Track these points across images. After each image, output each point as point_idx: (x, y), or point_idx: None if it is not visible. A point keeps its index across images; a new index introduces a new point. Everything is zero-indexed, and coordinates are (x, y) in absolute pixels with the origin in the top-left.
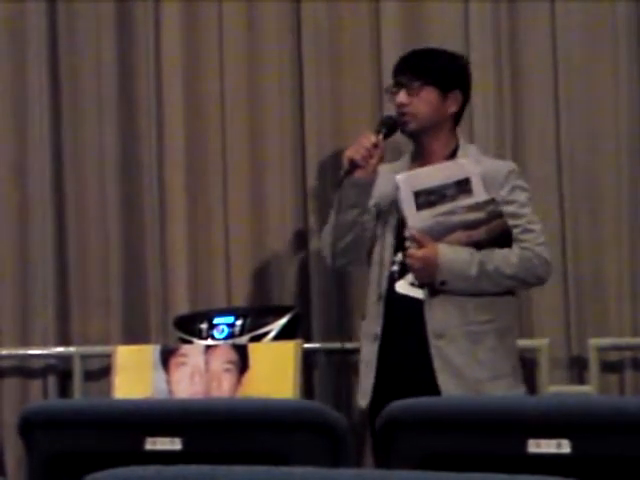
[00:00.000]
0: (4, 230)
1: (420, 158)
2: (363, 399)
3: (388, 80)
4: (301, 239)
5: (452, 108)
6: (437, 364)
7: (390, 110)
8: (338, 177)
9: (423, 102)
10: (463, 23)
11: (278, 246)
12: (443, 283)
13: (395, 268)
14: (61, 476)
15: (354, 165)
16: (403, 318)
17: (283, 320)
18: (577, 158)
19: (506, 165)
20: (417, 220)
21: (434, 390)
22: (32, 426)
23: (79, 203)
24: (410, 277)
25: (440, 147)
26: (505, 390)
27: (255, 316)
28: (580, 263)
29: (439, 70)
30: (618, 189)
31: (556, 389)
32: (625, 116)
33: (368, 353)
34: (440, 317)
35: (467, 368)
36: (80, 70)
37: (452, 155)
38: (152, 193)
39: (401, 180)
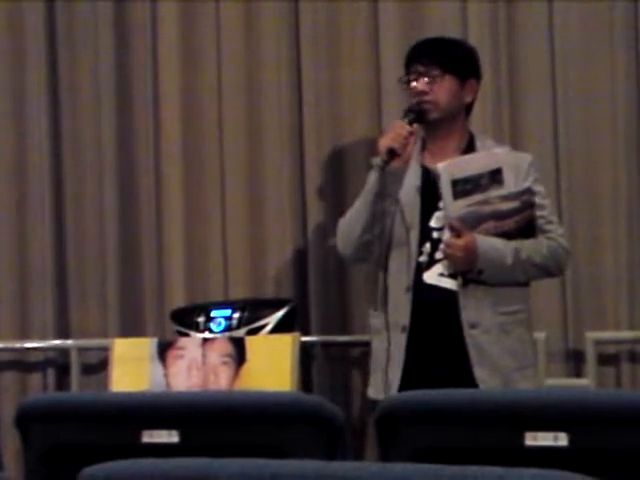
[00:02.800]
0: (3, 225)
1: (434, 148)
2: (386, 391)
3: (386, 77)
4: (298, 231)
5: (468, 97)
6: (472, 354)
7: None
8: (379, 166)
9: (443, 90)
10: (461, 21)
11: (275, 239)
12: (480, 272)
13: (423, 259)
14: (58, 469)
15: (393, 154)
16: (433, 309)
17: (280, 313)
18: (574, 152)
19: (526, 156)
20: (454, 209)
21: (468, 380)
22: (29, 419)
23: (77, 198)
24: (439, 267)
25: (456, 137)
26: (531, 379)
27: (252, 309)
28: (577, 256)
29: (458, 58)
30: (616, 183)
31: (553, 382)
32: (622, 111)
33: (393, 345)
34: (474, 307)
35: (500, 358)
36: (78, 68)
37: (469, 145)
38: (149, 188)
39: (442, 168)
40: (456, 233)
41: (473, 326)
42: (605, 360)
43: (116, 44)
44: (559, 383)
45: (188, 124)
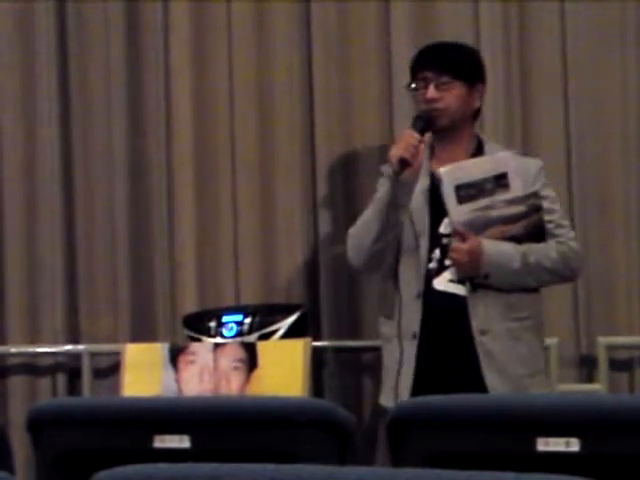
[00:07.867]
0: (13, 228)
1: (443, 154)
2: (397, 399)
3: (398, 80)
4: (310, 237)
5: (477, 102)
6: (483, 360)
7: (402, 107)
8: (391, 177)
9: (453, 97)
10: (473, 22)
11: (287, 244)
12: (487, 276)
13: (432, 265)
14: (70, 474)
15: (404, 164)
16: (443, 315)
17: (292, 318)
18: (586, 157)
19: (535, 162)
20: (457, 214)
21: (479, 386)
22: (41, 424)
23: (88, 202)
24: (448, 273)
25: (464, 143)
26: (541, 386)
27: (264, 314)
28: (589, 261)
29: (466, 63)
30: (627, 187)
31: (565, 388)
32: (634, 113)
33: (405, 352)
34: (483, 313)
35: (510, 364)
36: (89, 70)
37: (478, 150)
38: (161, 192)
39: (444, 173)
40: (461, 237)
41: (483, 333)
42: (617, 365)
43: (127, 46)
44: (571, 389)
45: (200, 127)
